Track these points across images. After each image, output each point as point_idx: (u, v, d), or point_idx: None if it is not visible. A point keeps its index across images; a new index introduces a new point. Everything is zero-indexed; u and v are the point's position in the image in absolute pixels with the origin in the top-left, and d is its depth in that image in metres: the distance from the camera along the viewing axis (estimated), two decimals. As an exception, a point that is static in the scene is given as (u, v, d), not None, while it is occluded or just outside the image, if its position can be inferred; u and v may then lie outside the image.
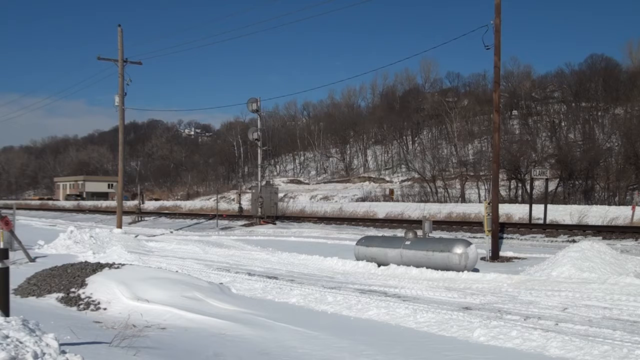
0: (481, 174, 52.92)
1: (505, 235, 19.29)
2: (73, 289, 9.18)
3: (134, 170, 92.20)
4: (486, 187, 49.59)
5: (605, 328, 7.33)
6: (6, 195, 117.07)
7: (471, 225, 22.83)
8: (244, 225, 29.22)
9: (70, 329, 6.41)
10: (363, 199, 54.95)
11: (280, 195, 45.70)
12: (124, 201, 30.07)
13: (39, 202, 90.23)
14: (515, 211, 27.42)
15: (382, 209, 35.16)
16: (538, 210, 24.69)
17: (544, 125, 73.24)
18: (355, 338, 7.22)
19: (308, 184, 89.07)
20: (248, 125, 78.26)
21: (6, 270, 5.64)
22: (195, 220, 34.36)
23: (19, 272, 11.11)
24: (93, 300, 8.70)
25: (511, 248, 16.48)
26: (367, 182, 78.78)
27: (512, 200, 43.66)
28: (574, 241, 16.28)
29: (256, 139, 30.29)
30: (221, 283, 11.30)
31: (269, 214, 30.22)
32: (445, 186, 52.71)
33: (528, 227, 21.15)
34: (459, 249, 12.35)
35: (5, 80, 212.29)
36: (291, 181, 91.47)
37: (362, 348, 6.75)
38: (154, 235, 24.87)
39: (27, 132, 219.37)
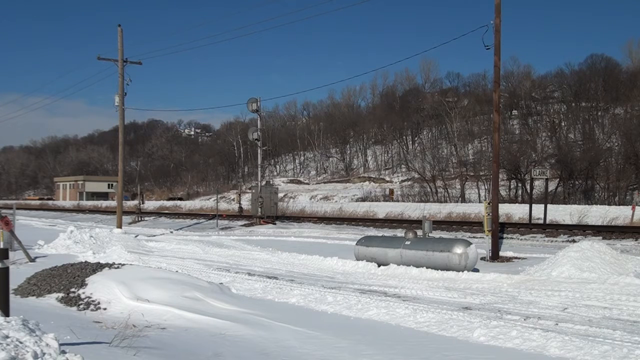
0: (481, 174, 52.90)
1: (505, 235, 19.29)
2: (73, 289, 9.18)
3: (134, 170, 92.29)
4: (486, 187, 49.59)
5: (605, 328, 7.33)
6: (6, 195, 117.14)
7: (471, 225, 22.83)
8: (244, 225, 29.22)
9: (70, 329, 6.41)
10: (363, 199, 54.95)
11: (280, 195, 45.74)
12: (124, 201, 30.06)
13: (38, 202, 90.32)
14: (515, 211, 27.43)
15: (382, 209, 35.17)
16: (538, 210, 24.69)
17: (544, 125, 73.20)
18: (355, 338, 7.21)
19: (308, 184, 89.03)
20: (248, 125, 78.37)
21: (6, 270, 5.64)
22: (195, 220, 34.37)
23: (19, 272, 11.12)
24: (93, 300, 8.69)
25: (511, 248, 16.48)
26: (367, 182, 78.79)
27: (512, 200, 43.67)
28: (574, 241, 16.28)
29: (256, 139, 30.31)
30: (221, 283, 11.30)
31: (269, 214, 30.22)
32: (445, 186, 52.69)
33: (528, 227, 21.15)
34: (459, 249, 12.36)
35: (5, 80, 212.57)
36: (291, 181, 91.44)
37: (362, 348, 6.75)
38: (154, 235, 24.86)
39: (27, 132, 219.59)
